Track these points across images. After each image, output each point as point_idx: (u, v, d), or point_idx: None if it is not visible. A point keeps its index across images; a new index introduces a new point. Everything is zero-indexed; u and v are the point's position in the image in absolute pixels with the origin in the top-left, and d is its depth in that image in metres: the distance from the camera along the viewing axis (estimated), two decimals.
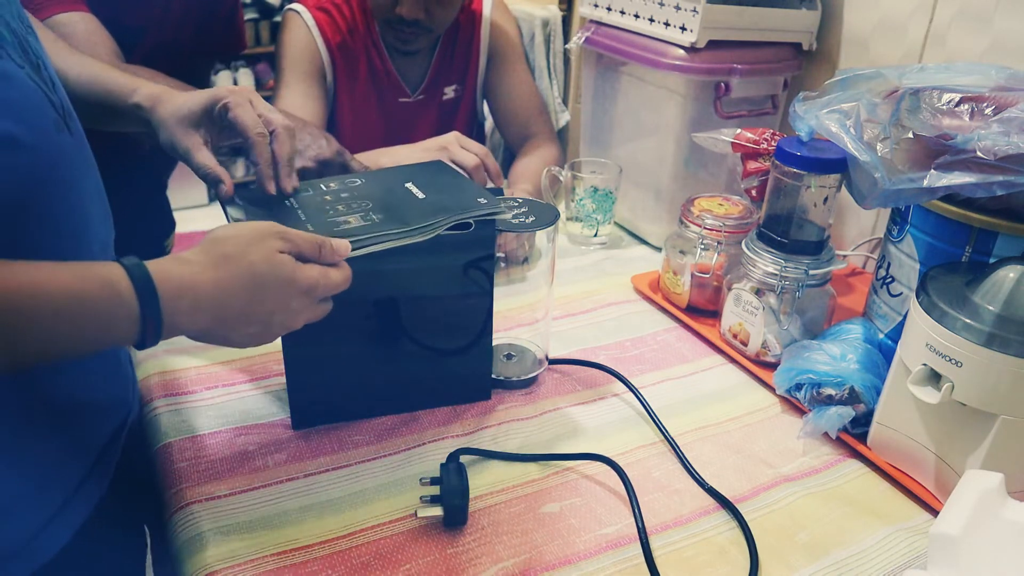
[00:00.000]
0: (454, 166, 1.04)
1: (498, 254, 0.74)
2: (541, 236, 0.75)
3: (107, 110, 0.69)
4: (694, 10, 0.98)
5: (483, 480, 0.67)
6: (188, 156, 0.67)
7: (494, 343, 0.77)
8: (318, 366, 0.70)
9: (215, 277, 0.52)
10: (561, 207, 1.16)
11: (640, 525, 0.62)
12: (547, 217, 0.74)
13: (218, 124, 0.69)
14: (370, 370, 0.72)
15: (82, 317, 0.47)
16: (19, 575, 0.57)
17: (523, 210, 0.75)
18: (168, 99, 0.68)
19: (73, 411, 0.60)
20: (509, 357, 0.83)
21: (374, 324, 0.70)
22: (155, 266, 0.49)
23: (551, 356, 0.84)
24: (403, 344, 0.72)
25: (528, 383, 0.81)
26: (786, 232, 0.82)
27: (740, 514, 0.65)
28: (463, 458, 0.67)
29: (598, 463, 0.70)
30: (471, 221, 0.66)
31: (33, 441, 0.56)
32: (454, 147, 0.99)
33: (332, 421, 0.73)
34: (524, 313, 0.83)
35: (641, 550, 0.61)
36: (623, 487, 0.67)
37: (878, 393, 0.72)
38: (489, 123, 1.44)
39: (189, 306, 0.51)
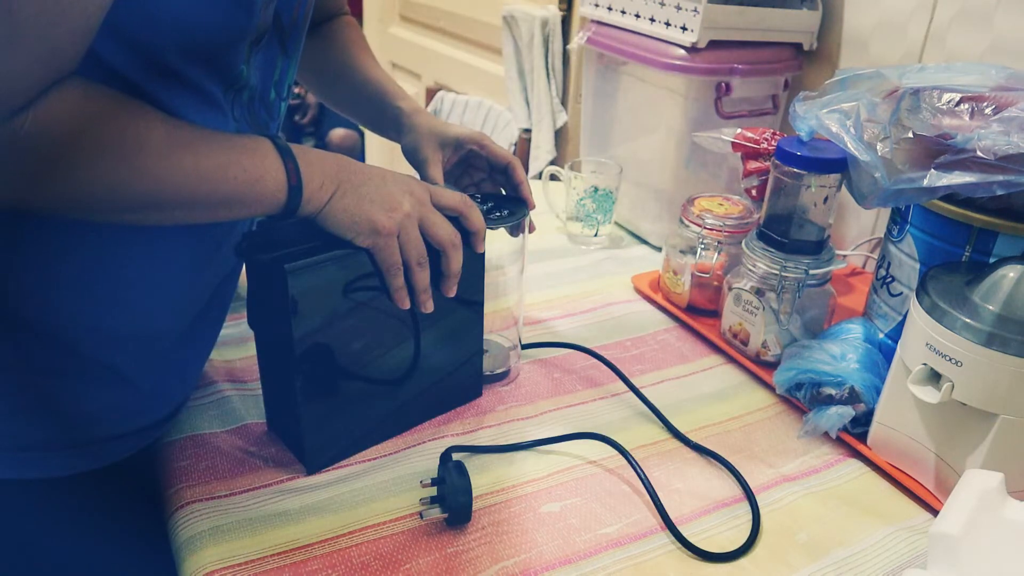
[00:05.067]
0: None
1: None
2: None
3: (374, 104, 0.81)
4: (695, 10, 0.98)
5: (483, 480, 0.67)
6: (424, 165, 0.76)
7: None
8: (332, 412, 0.67)
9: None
10: (561, 207, 1.16)
11: (657, 503, 0.62)
12: (519, 208, 0.73)
13: (461, 157, 0.79)
14: (377, 401, 0.70)
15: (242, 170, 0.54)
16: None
17: (490, 204, 0.73)
18: (427, 114, 0.80)
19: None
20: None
21: (382, 356, 0.68)
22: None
23: (524, 341, 0.84)
24: (407, 367, 0.71)
25: (503, 376, 0.81)
26: (786, 232, 0.82)
27: (757, 508, 0.65)
28: (463, 456, 0.67)
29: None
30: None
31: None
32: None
33: (343, 458, 0.69)
34: (499, 301, 0.82)
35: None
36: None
37: (878, 393, 0.72)
38: None
39: (316, 158, 0.58)
